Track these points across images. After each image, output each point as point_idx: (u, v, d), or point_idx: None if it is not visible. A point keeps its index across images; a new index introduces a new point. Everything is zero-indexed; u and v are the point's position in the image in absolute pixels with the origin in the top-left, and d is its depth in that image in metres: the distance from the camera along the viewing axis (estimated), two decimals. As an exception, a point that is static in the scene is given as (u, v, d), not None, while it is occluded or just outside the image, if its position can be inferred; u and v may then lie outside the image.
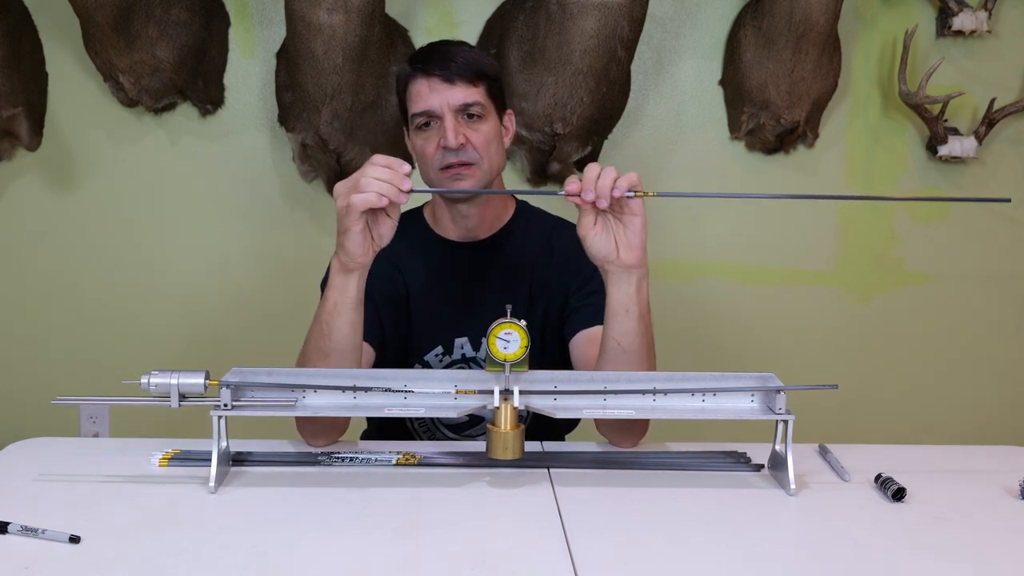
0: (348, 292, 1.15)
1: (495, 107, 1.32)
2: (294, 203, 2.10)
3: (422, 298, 1.36)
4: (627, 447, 1.22)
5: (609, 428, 1.22)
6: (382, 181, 1.08)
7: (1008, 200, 1.13)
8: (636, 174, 1.09)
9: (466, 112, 1.28)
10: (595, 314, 1.32)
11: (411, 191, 1.10)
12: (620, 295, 1.14)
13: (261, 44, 2.07)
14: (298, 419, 1.20)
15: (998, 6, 2.07)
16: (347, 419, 1.23)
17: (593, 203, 1.09)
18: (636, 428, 1.21)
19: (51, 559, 0.86)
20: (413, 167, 2.09)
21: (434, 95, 1.27)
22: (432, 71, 1.27)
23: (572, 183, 1.10)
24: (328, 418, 1.18)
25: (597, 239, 1.12)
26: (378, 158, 1.10)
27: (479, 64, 1.31)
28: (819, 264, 2.19)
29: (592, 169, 1.10)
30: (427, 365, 1.36)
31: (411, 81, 1.30)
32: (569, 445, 1.29)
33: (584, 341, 1.30)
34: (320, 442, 1.20)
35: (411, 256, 1.37)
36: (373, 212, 1.11)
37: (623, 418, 1.13)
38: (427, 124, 1.29)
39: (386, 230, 1.14)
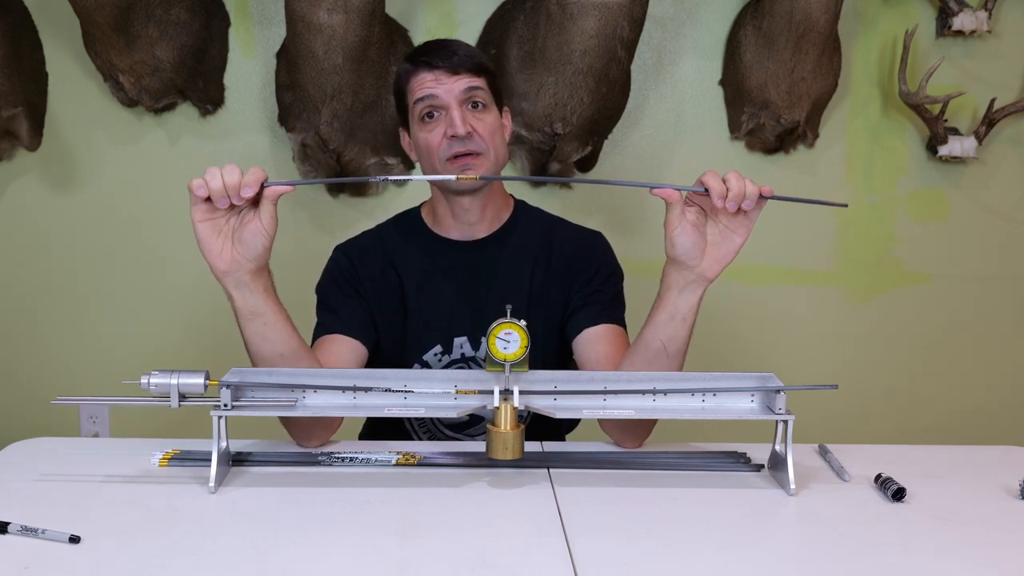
0: (234, 302, 1.12)
1: (495, 101, 1.33)
2: (294, 203, 2.10)
3: (420, 297, 1.36)
4: (631, 447, 1.22)
5: (614, 428, 1.22)
6: (223, 177, 1.05)
7: (845, 205, 1.16)
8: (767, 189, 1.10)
9: (470, 101, 1.28)
10: (599, 312, 1.32)
11: (249, 197, 1.05)
12: (682, 303, 1.14)
13: (261, 44, 2.07)
14: (287, 423, 1.19)
15: (998, 6, 2.07)
16: (339, 419, 1.22)
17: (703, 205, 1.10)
18: (641, 429, 1.21)
19: (51, 559, 0.86)
20: (412, 167, 2.09)
21: (439, 85, 1.27)
22: (436, 63, 1.28)
23: (713, 179, 1.08)
24: (319, 418, 1.17)
25: (685, 237, 1.10)
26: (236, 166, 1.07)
27: (480, 57, 1.32)
28: (819, 264, 2.19)
29: (736, 177, 1.09)
30: (426, 364, 1.36)
31: (414, 75, 1.30)
32: (569, 445, 1.29)
33: (589, 339, 1.30)
34: (312, 443, 1.20)
35: (408, 255, 1.37)
36: (232, 213, 1.08)
37: (624, 419, 1.14)
38: (431, 115, 1.29)
39: (249, 235, 1.08)
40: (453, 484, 1.07)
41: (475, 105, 1.29)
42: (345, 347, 1.29)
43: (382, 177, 1.20)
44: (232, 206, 1.07)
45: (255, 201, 1.08)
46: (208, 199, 1.06)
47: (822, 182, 2.15)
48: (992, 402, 2.26)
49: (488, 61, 1.34)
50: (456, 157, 1.27)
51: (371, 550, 0.89)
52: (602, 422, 1.22)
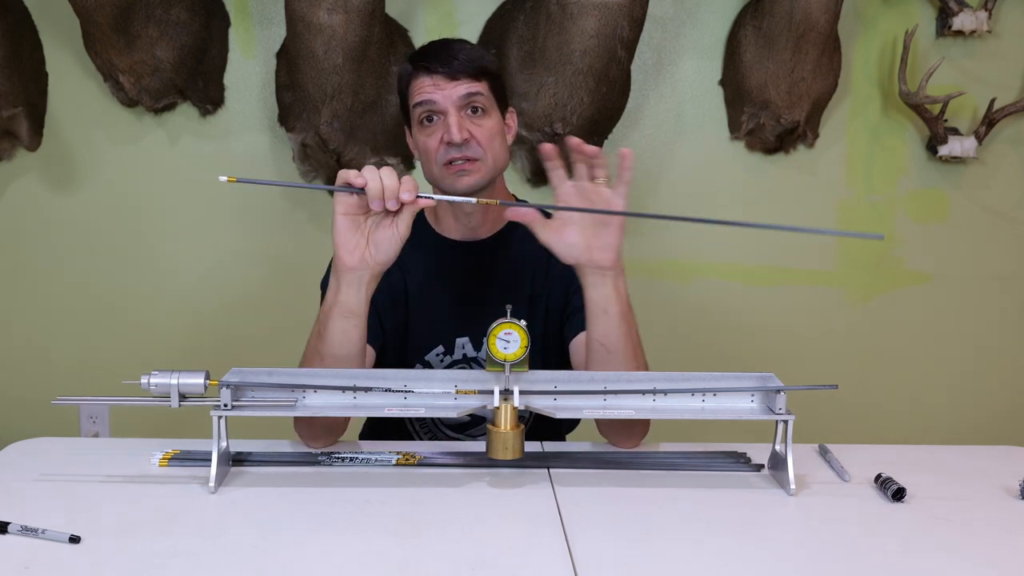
0: (339, 296, 1.13)
1: (498, 104, 1.32)
2: (294, 203, 2.10)
3: (422, 297, 1.36)
4: (628, 448, 1.22)
5: (610, 429, 1.22)
6: (381, 179, 1.08)
7: (881, 237, 1.16)
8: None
9: (469, 106, 1.28)
10: None
11: (409, 201, 1.08)
12: (596, 296, 1.14)
13: (261, 44, 2.07)
14: (296, 422, 1.20)
15: (998, 6, 2.07)
16: (345, 421, 1.22)
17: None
18: (637, 429, 1.21)
19: (51, 559, 0.86)
20: (413, 167, 2.10)
21: (437, 90, 1.27)
22: (435, 68, 1.27)
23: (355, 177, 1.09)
24: (326, 420, 1.18)
25: (561, 245, 1.14)
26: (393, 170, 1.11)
27: (481, 60, 1.30)
28: (819, 264, 2.19)
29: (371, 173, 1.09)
30: (428, 365, 1.36)
31: (413, 78, 1.29)
32: (569, 445, 1.29)
33: (583, 343, 1.30)
34: (318, 444, 1.20)
35: (412, 255, 1.37)
36: (368, 212, 1.11)
37: (623, 419, 1.14)
38: (429, 119, 1.28)
39: (384, 239, 1.11)
40: (453, 484, 1.07)
41: (474, 110, 1.28)
42: None
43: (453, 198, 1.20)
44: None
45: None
46: (359, 193, 1.09)
47: (822, 182, 2.15)
48: (992, 402, 2.25)
49: (492, 63, 1.33)
50: (452, 162, 1.27)
51: (371, 550, 0.89)
52: (598, 423, 1.22)
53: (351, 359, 1.15)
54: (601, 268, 1.13)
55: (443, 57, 1.28)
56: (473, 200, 1.19)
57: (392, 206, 1.09)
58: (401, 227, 1.11)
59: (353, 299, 1.13)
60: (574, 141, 1.13)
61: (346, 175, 1.10)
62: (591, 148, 1.12)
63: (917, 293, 2.21)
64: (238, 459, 1.12)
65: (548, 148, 1.14)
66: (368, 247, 1.11)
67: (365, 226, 1.12)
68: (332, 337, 1.14)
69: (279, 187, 2.12)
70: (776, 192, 2.14)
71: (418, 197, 1.10)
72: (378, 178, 1.08)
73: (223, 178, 1.07)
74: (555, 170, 1.15)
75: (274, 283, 2.12)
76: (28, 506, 0.97)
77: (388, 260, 1.12)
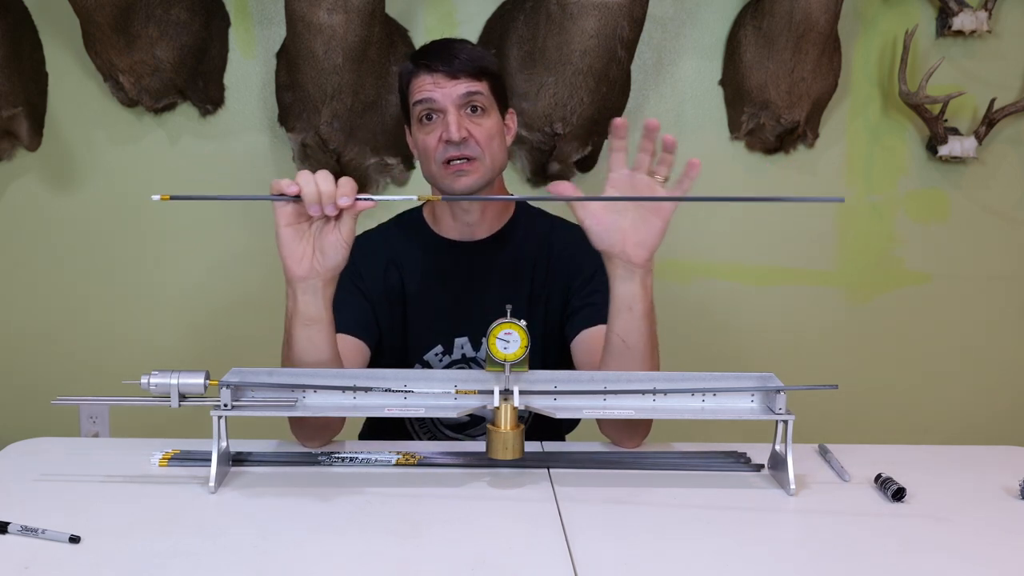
0: (297, 306, 1.12)
1: (497, 104, 1.32)
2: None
3: (421, 297, 1.36)
4: (630, 447, 1.21)
5: (612, 428, 1.22)
6: (317, 183, 1.05)
7: (841, 199, 1.13)
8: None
9: (469, 105, 1.28)
10: (596, 314, 1.31)
11: (345, 208, 1.05)
12: (624, 292, 1.13)
13: (261, 44, 2.07)
14: (292, 423, 1.19)
15: (998, 6, 2.07)
16: (341, 420, 1.22)
17: None
18: (640, 428, 1.21)
19: (51, 559, 0.86)
20: (413, 167, 2.10)
21: (437, 89, 1.27)
22: (436, 66, 1.27)
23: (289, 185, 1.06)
24: (321, 419, 1.18)
25: (600, 228, 1.11)
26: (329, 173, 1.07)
27: (482, 60, 1.31)
28: (819, 264, 2.19)
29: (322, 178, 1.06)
30: (427, 365, 1.36)
31: (414, 76, 1.29)
32: (569, 445, 1.29)
33: (586, 341, 1.30)
34: (315, 444, 1.20)
35: (410, 255, 1.37)
36: (312, 220, 1.08)
37: (624, 419, 1.14)
38: (429, 117, 1.28)
39: (329, 245, 1.08)
40: (453, 484, 1.07)
41: (474, 109, 1.28)
42: (349, 346, 1.29)
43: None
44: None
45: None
46: (295, 201, 1.06)
47: (822, 182, 2.15)
48: (992, 402, 2.26)
49: (492, 63, 1.33)
50: (450, 162, 1.27)
51: (371, 550, 0.89)
52: (600, 422, 1.22)
53: (322, 365, 1.14)
54: (632, 264, 1.12)
55: (444, 56, 1.28)
56: (414, 197, 1.14)
57: (330, 211, 1.05)
58: (344, 231, 1.08)
59: (312, 307, 1.12)
60: (653, 123, 1.11)
61: (278, 184, 1.07)
62: (668, 137, 1.11)
63: (917, 293, 2.21)
64: (238, 459, 1.12)
65: (620, 123, 1.12)
66: (315, 255, 1.09)
67: (309, 234, 1.09)
68: (298, 345, 1.13)
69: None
70: (776, 192, 2.14)
71: (357, 200, 1.06)
72: (313, 183, 1.05)
73: (155, 197, 1.05)
74: (618, 151, 1.13)
75: (274, 283, 2.10)
76: (28, 506, 0.97)
77: (337, 265, 1.10)
